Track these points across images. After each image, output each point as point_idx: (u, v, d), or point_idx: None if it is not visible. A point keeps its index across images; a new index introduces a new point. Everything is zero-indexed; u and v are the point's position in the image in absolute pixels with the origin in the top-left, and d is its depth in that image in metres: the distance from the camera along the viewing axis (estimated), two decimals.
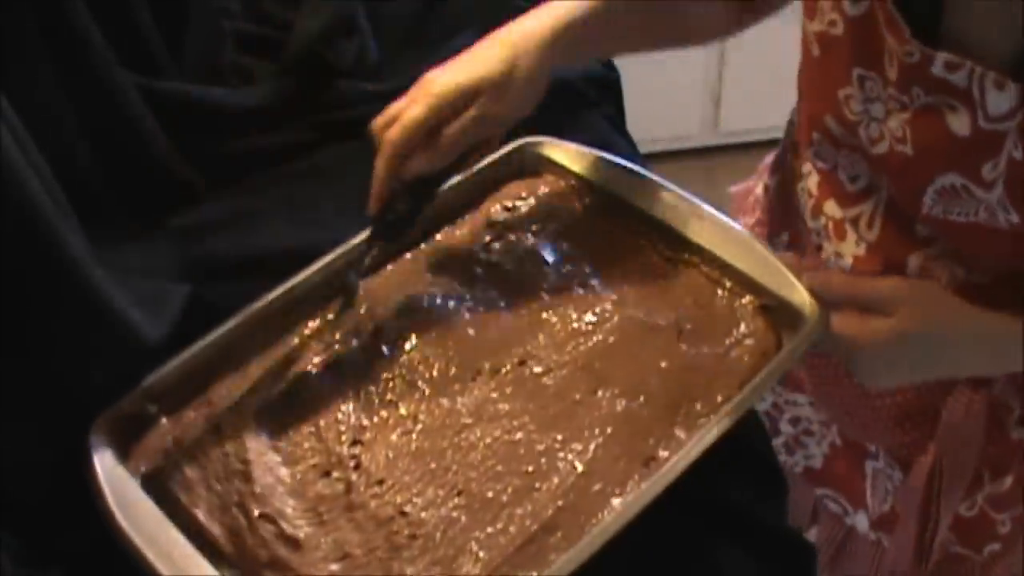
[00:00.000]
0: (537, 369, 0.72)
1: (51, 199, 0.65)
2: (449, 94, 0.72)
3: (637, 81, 1.27)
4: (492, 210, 0.84)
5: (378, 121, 0.74)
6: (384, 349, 0.74)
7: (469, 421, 0.70)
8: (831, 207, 0.83)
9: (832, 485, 0.99)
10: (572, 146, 0.86)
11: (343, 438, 0.69)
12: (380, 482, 0.67)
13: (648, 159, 1.07)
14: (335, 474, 0.67)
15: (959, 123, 0.66)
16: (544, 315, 0.76)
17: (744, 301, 0.76)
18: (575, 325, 0.75)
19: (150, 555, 0.62)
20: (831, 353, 0.76)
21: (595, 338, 0.74)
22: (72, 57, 0.79)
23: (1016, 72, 0.63)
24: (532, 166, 0.87)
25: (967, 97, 0.65)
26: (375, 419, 0.70)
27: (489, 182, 0.85)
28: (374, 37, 1.04)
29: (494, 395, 0.71)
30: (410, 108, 0.72)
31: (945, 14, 0.66)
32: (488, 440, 0.68)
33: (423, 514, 0.65)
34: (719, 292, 0.77)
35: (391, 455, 0.68)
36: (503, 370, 0.72)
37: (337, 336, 0.75)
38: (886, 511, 0.95)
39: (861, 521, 0.97)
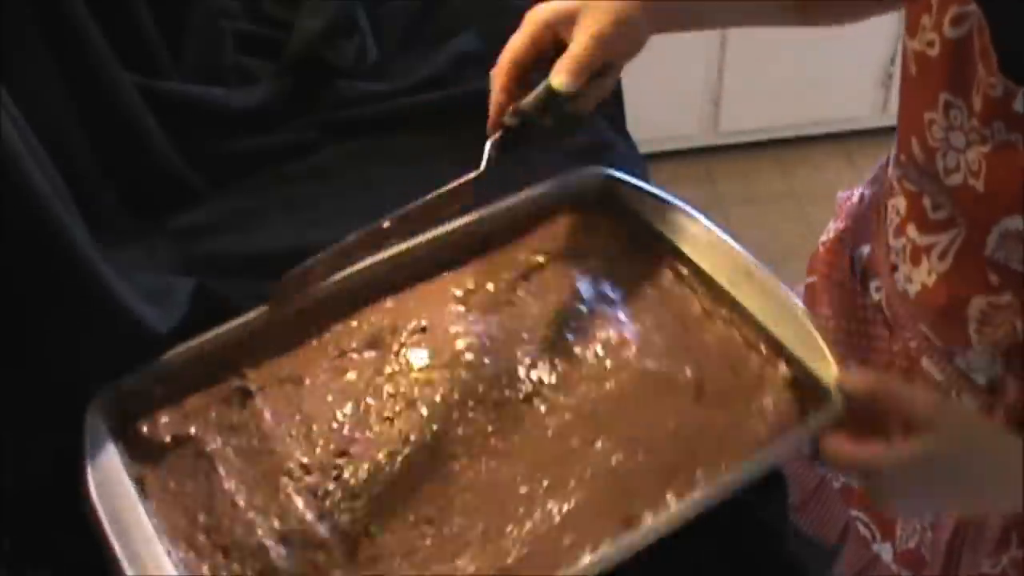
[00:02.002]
0: (541, 408, 0.70)
1: (57, 195, 0.65)
2: (551, 17, 0.73)
3: (637, 81, 1.27)
4: (538, 239, 0.81)
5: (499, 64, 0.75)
6: (395, 365, 0.73)
7: (458, 451, 0.68)
8: (913, 230, 0.82)
9: (866, 508, 0.98)
10: (634, 182, 0.82)
11: (331, 446, 0.68)
12: (355, 496, 0.66)
13: (648, 159, 1.07)
14: (312, 479, 0.67)
15: None
16: (563, 354, 0.73)
17: (776, 371, 0.71)
18: (592, 368, 0.72)
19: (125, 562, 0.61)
20: (850, 478, 0.73)
21: (608, 385, 0.71)
22: (72, 57, 0.79)
23: None
24: (587, 195, 0.83)
25: None
26: (368, 433, 0.69)
27: (542, 208, 0.82)
28: (374, 37, 1.04)
29: (490, 428, 0.69)
30: (514, 37, 0.74)
31: None
32: (472, 474, 0.67)
33: (388, 536, 0.64)
34: (752, 356, 0.72)
35: (373, 471, 0.67)
36: (507, 404, 0.70)
37: (353, 344, 0.74)
38: (911, 548, 0.94)
39: (886, 551, 0.96)
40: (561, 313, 0.76)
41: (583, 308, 0.76)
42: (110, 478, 0.66)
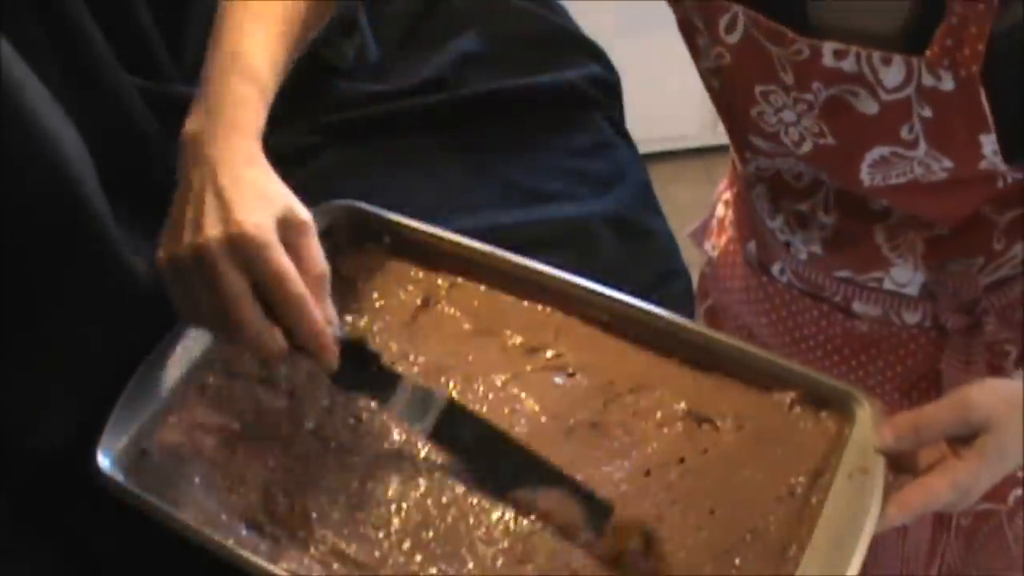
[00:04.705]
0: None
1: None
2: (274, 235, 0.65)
3: (637, 81, 1.27)
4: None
5: (241, 311, 0.62)
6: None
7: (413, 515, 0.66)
8: (787, 203, 0.85)
9: None
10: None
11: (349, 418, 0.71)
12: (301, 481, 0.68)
13: (647, 159, 1.07)
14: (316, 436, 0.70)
15: (865, 104, 0.69)
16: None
17: None
18: None
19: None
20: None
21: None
22: (74, 61, 0.79)
23: (895, 44, 0.65)
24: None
25: (861, 79, 0.67)
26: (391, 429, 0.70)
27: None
28: (374, 37, 1.04)
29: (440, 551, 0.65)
30: (273, 259, 0.63)
31: (808, 3, 0.68)
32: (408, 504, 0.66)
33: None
34: None
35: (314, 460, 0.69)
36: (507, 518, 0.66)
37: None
38: None
39: None
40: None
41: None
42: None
